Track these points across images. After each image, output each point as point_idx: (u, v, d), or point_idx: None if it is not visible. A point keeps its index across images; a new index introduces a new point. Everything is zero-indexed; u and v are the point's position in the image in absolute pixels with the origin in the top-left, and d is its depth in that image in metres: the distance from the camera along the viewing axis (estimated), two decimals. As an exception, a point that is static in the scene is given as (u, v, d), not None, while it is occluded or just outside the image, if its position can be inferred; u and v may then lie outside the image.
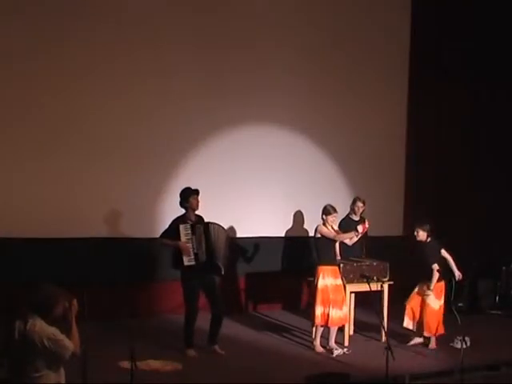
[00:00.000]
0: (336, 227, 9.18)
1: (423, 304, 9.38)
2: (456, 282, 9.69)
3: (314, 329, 9.47)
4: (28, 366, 5.21)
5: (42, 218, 9.68)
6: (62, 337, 5.21)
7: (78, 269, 9.70)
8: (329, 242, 8.97)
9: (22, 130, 9.69)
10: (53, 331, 5.22)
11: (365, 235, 9.64)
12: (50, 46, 9.75)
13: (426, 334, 9.42)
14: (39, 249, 9.60)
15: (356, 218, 10.01)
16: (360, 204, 10.00)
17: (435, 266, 9.29)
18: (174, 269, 8.69)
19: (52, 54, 9.77)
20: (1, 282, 9.25)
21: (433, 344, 9.45)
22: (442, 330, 9.40)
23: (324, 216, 9.03)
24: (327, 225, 9.02)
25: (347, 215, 10.08)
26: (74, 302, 5.37)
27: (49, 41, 9.75)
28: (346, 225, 9.63)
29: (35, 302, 5.29)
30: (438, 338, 9.41)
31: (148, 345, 8.48)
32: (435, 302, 9.35)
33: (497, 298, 11.77)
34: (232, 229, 10.73)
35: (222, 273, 8.71)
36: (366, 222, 9.33)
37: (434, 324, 9.34)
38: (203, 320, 8.89)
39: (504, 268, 11.78)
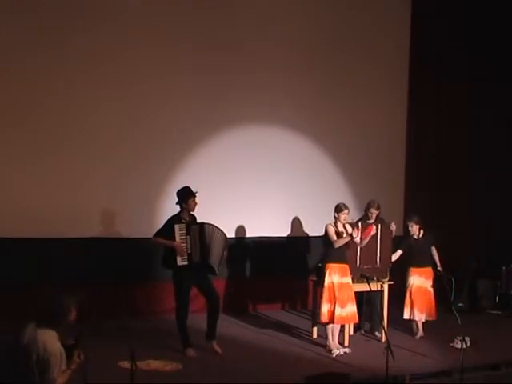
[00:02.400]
0: (348, 225, 9.03)
1: (425, 292, 9.77)
2: (456, 282, 9.75)
3: (314, 329, 9.49)
4: (29, 375, 5.22)
5: (42, 218, 9.68)
6: (61, 367, 5.24)
7: (78, 269, 9.71)
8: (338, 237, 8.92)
9: (22, 130, 9.69)
10: (60, 352, 5.24)
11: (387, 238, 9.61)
12: (50, 47, 9.75)
13: (432, 318, 9.86)
14: (39, 249, 9.61)
15: (370, 221, 9.73)
16: (373, 210, 9.72)
17: (433, 248, 10.05)
18: (165, 268, 8.69)
19: (52, 54, 9.77)
20: (1, 281, 9.26)
21: (421, 331, 9.82)
22: None
23: (336, 214, 8.95)
24: (339, 223, 8.93)
25: (362, 217, 9.91)
26: (82, 355, 5.43)
27: (49, 41, 9.75)
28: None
29: (47, 311, 5.31)
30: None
31: (148, 345, 8.48)
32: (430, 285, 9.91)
33: (497, 298, 11.76)
34: (232, 229, 10.72)
35: (216, 273, 8.72)
36: (373, 228, 9.16)
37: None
38: (202, 321, 8.90)
39: (504, 268, 11.77)
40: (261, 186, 11.08)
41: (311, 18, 11.40)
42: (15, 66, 9.59)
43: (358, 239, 9.06)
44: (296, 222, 11.31)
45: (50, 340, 5.23)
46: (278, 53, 11.14)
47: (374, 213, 9.74)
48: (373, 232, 9.19)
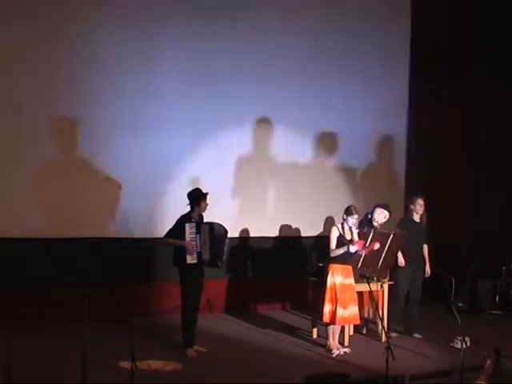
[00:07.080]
0: (355, 230, 8.87)
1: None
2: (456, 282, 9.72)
3: (314, 329, 9.49)
4: None
5: (42, 218, 9.69)
6: None
7: (78, 269, 9.71)
8: (342, 240, 8.87)
9: (22, 129, 9.70)
10: None
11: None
12: (52, 48, 9.77)
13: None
14: (39, 249, 9.61)
15: (417, 219, 9.68)
16: (421, 202, 9.65)
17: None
18: (176, 265, 8.71)
19: (56, 51, 9.80)
20: (1, 282, 9.26)
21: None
22: None
23: (345, 216, 8.86)
24: (345, 225, 8.86)
25: (407, 216, 9.76)
26: None
27: (49, 38, 9.77)
28: (404, 226, 9.41)
29: None
30: None
31: (148, 345, 8.49)
32: None
33: (497, 298, 11.76)
34: (232, 229, 10.70)
35: (220, 265, 8.81)
36: (376, 245, 8.87)
37: None
38: (202, 320, 8.91)
39: (504, 268, 11.77)
40: (261, 185, 11.08)
41: (311, 18, 11.38)
42: (15, 64, 9.60)
43: (355, 249, 8.80)
44: (297, 222, 11.30)
45: None
46: (278, 53, 11.12)
47: (421, 205, 9.66)
48: (375, 247, 8.95)
